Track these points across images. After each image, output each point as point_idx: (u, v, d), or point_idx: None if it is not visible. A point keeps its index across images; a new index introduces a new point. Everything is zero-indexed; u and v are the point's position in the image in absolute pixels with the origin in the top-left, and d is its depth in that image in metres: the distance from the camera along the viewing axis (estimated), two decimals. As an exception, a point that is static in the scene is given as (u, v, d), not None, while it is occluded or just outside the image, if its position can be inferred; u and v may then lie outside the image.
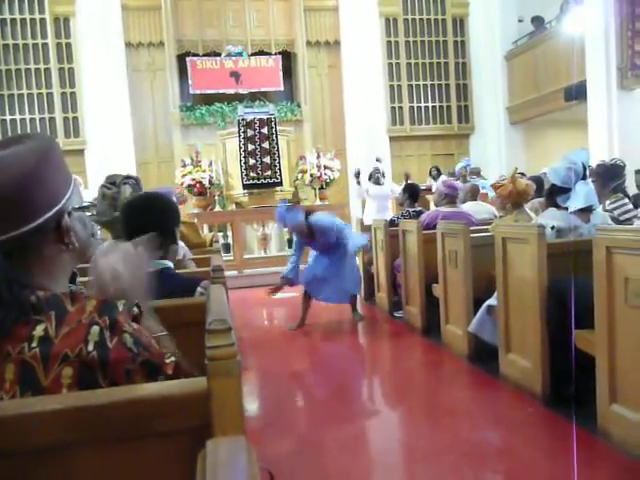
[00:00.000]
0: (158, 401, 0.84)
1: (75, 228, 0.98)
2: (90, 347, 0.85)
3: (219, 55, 10.93)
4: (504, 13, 10.89)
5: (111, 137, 9.96)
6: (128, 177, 2.41)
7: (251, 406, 3.31)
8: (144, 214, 1.74)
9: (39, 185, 0.91)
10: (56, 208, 0.94)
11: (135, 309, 0.96)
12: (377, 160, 8.20)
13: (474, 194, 5.25)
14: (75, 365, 0.84)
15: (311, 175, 8.81)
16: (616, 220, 3.30)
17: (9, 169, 0.88)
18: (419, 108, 11.56)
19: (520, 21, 10.99)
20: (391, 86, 11.38)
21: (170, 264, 1.76)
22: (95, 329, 0.86)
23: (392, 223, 5.30)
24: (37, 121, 10.17)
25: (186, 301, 1.32)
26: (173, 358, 0.93)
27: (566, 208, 2.93)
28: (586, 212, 2.94)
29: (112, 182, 2.50)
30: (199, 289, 1.65)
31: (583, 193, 2.89)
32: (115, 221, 2.36)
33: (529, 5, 10.62)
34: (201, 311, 1.20)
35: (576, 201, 2.89)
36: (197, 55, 10.96)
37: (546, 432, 2.66)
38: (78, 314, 0.88)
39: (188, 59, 10.87)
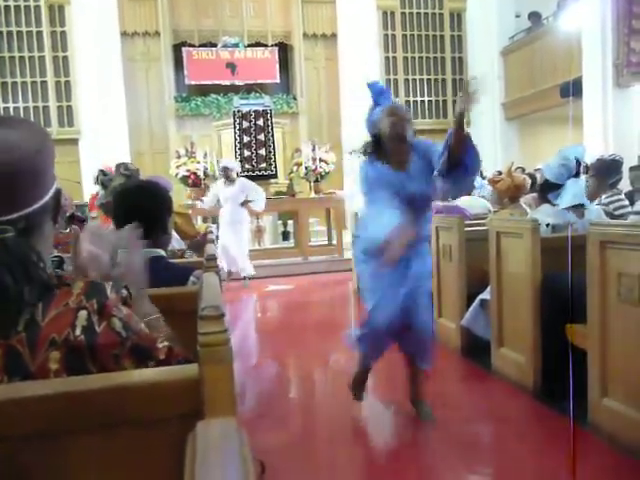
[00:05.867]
0: (149, 388, 0.83)
1: None
2: (78, 332, 0.84)
3: (215, 46, 10.87)
4: (501, 8, 10.86)
5: (106, 127, 9.88)
6: (127, 168, 2.42)
7: (243, 398, 3.30)
8: (135, 201, 1.72)
9: (48, 162, 0.93)
10: (55, 185, 0.96)
11: (124, 291, 0.95)
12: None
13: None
14: (63, 350, 0.83)
15: (306, 168, 8.79)
16: (611, 215, 3.31)
17: (25, 145, 0.89)
18: (415, 102, 11.53)
19: (517, 17, 10.96)
20: (388, 80, 11.34)
21: (162, 252, 1.75)
22: (83, 313, 0.85)
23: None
24: (31, 109, 10.08)
25: (178, 290, 1.31)
26: (166, 343, 0.92)
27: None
28: (580, 208, 2.95)
29: (126, 169, 2.51)
30: (192, 278, 1.64)
31: (572, 191, 2.91)
32: (105, 207, 2.37)
33: (526, 1, 10.60)
34: (193, 300, 1.19)
35: (564, 198, 2.91)
36: (193, 45, 10.88)
37: (537, 426, 2.67)
38: (65, 297, 0.87)
39: (184, 49, 10.80)
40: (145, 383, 0.84)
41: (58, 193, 0.97)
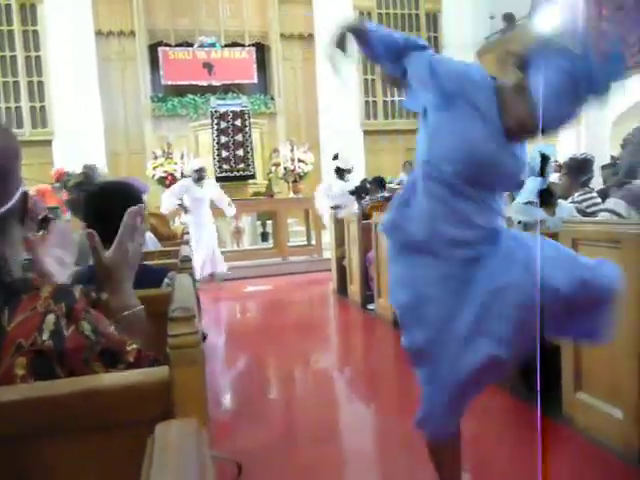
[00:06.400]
0: (120, 391, 0.82)
1: None
2: (45, 336, 0.83)
3: (192, 46, 10.79)
4: (476, 9, 11.00)
5: (80, 127, 9.73)
6: (85, 166, 2.43)
7: (222, 399, 3.29)
8: (105, 202, 1.70)
9: (12, 165, 0.90)
10: (22, 188, 0.94)
11: (93, 294, 0.94)
12: (334, 158, 7.93)
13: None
14: (29, 355, 0.82)
15: (284, 168, 8.78)
16: (583, 212, 3.37)
17: None
18: (393, 102, 11.60)
19: (492, 18, 11.11)
20: (365, 80, 11.40)
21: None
22: (50, 317, 0.84)
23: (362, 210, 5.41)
24: (3, 110, 9.88)
25: (151, 292, 1.30)
26: (135, 345, 0.92)
27: (529, 202, 3.01)
28: (551, 205, 3.00)
29: (85, 168, 2.52)
30: (166, 280, 1.62)
31: (528, 188, 2.97)
32: (70, 204, 2.39)
33: (501, 2, 10.75)
34: (167, 302, 1.18)
35: (521, 195, 2.98)
36: (169, 45, 10.78)
37: (513, 420, 2.71)
38: (32, 301, 0.85)
39: (160, 49, 10.70)
40: (116, 386, 0.83)
41: (25, 196, 0.95)
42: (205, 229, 6.65)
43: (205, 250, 6.62)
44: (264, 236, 9.17)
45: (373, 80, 11.44)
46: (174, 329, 0.80)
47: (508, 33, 10.34)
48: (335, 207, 7.01)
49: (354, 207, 6.51)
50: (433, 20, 11.71)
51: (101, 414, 0.82)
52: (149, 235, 3.36)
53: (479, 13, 11.01)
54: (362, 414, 3.05)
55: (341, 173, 7.52)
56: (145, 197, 3.12)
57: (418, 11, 11.58)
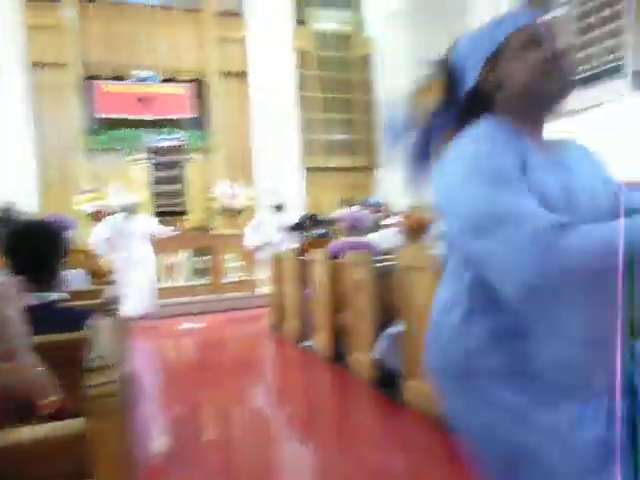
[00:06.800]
0: (31, 446, 0.78)
1: None
2: None
3: (127, 79, 10.67)
4: (409, 53, 11.52)
5: (10, 161, 9.31)
6: (2, 204, 2.35)
7: (155, 441, 3.15)
8: (23, 241, 1.63)
9: None
10: None
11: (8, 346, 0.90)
12: (268, 194, 7.95)
13: (379, 224, 5.43)
14: None
15: (221, 204, 8.74)
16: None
17: None
18: (332, 141, 11.90)
19: (423, 61, 11.67)
20: (305, 118, 11.63)
21: (54, 296, 1.65)
22: None
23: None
24: None
25: (69, 336, 1.23)
26: (53, 397, 0.87)
27: None
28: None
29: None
30: (88, 322, 1.56)
31: None
32: None
33: (433, 45, 11.31)
34: (86, 348, 1.13)
35: None
36: (104, 78, 10.62)
37: (449, 455, 2.74)
38: None
39: (94, 82, 10.51)
40: (26, 441, 0.78)
41: None
42: (139, 266, 6.44)
43: (141, 288, 6.41)
44: (201, 272, 9.00)
45: (313, 119, 11.71)
46: (91, 379, 0.77)
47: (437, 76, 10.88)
48: (261, 245, 7.05)
49: (289, 243, 6.55)
50: (367, 62, 12.20)
51: (12, 470, 0.77)
52: (79, 272, 3.23)
53: (411, 56, 11.53)
54: (300, 452, 3.01)
55: (278, 208, 7.57)
56: (71, 233, 3.01)
57: (353, 53, 12.05)
